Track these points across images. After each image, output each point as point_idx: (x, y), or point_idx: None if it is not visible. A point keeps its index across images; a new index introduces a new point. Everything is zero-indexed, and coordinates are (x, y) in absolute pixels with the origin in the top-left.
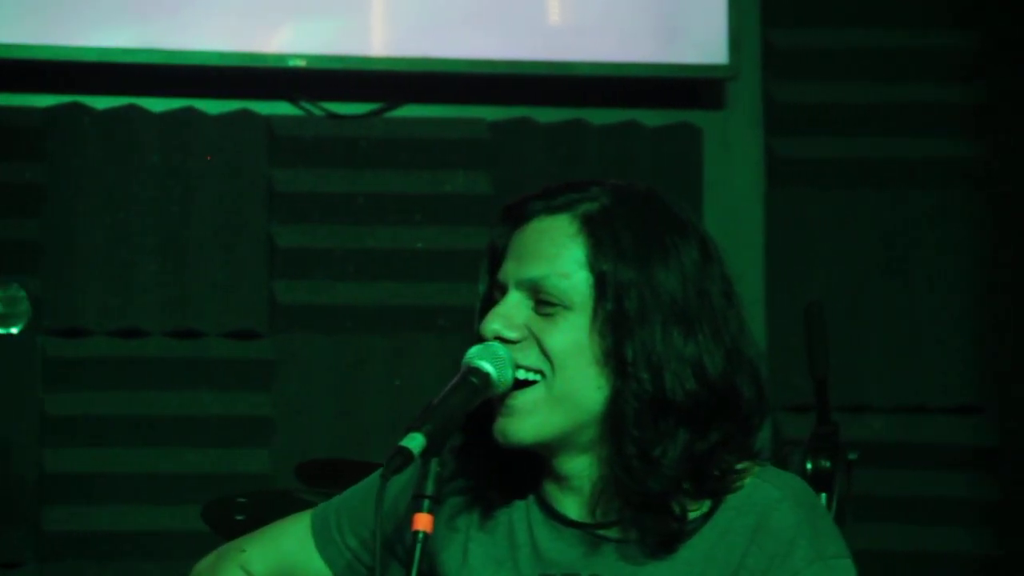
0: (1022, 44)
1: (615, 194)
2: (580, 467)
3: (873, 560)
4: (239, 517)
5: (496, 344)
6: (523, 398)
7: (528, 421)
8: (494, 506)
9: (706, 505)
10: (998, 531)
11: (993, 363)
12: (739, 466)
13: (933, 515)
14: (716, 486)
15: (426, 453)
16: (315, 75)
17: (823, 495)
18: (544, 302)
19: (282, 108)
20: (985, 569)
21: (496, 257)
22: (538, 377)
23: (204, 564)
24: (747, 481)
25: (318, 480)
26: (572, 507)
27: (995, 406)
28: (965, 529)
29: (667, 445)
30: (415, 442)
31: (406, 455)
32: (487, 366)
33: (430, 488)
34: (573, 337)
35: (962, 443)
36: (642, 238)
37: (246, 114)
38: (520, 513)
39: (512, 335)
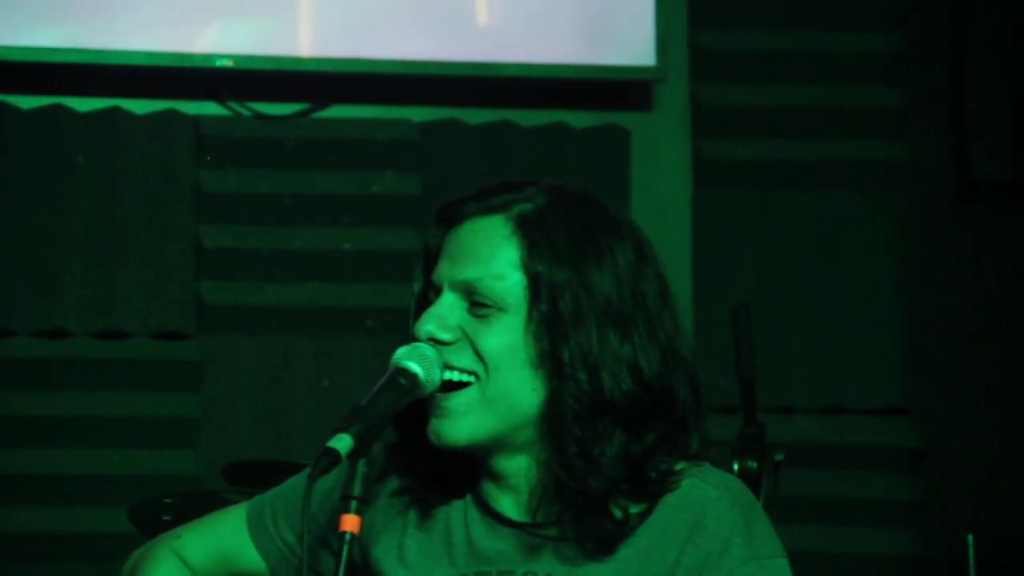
0: (945, 47)
1: (550, 195)
2: (517, 467)
3: (799, 561)
4: (166, 518)
5: (423, 345)
6: (457, 400)
7: (462, 422)
8: (432, 505)
9: (643, 503)
10: (922, 532)
11: (918, 365)
12: (677, 467)
13: (859, 516)
14: (655, 488)
15: (353, 454)
16: (242, 75)
17: None
18: (479, 303)
19: (209, 108)
20: (909, 570)
21: (430, 258)
22: (472, 379)
23: (140, 550)
24: (685, 481)
25: (245, 481)
26: (510, 506)
27: (920, 407)
28: (890, 530)
29: (605, 445)
30: (342, 443)
31: (333, 456)
32: (414, 367)
33: (357, 489)
34: (508, 339)
35: (888, 444)
36: (576, 239)
37: (173, 114)
38: (457, 511)
39: (446, 336)
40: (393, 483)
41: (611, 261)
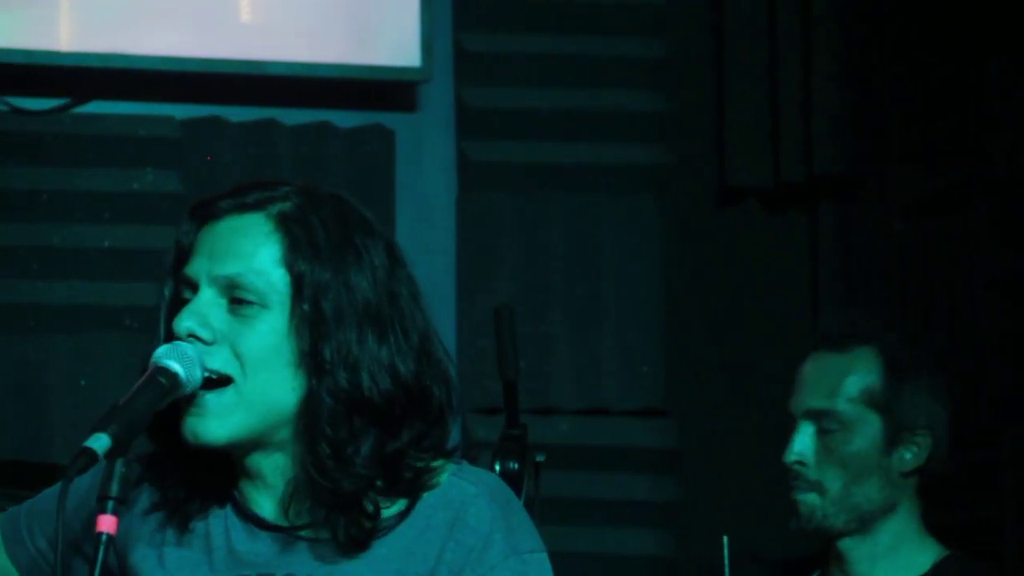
0: (706, 54)
1: (305, 195)
2: (273, 466)
3: (559, 561)
4: None
5: (184, 343)
6: (215, 399)
7: (219, 422)
8: (190, 517)
9: (403, 503)
10: (678, 532)
11: (676, 367)
12: (434, 464)
13: (618, 517)
14: (410, 484)
15: (111, 454)
16: None
17: None
18: (240, 300)
19: None
20: (667, 571)
21: (182, 255)
22: (228, 381)
23: None
24: (443, 478)
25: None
26: (267, 507)
27: (678, 409)
28: (649, 531)
29: (360, 444)
30: (100, 443)
31: (90, 455)
32: (175, 366)
33: (115, 490)
34: (269, 339)
35: (646, 446)
36: (336, 239)
37: None
38: (217, 519)
39: (205, 335)
40: (148, 497)
41: (368, 262)
